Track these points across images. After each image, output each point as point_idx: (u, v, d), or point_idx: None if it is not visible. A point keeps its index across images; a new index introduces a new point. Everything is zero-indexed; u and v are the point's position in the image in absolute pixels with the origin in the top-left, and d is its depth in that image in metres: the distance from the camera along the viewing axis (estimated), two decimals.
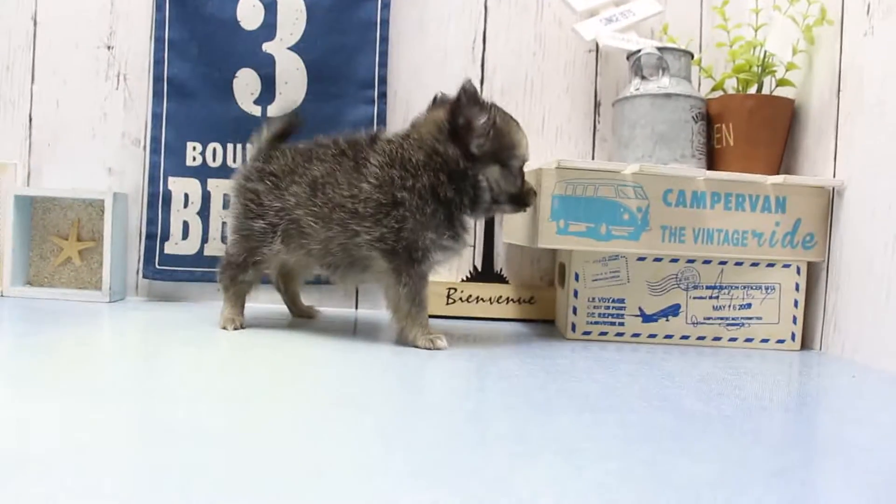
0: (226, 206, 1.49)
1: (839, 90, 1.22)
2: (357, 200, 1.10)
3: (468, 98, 1.08)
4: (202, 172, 1.52)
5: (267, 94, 1.50)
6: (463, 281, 1.53)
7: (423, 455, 0.62)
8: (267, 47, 1.50)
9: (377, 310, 1.51)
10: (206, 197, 1.52)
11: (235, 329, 1.21)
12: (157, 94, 1.53)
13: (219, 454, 0.60)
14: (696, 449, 0.67)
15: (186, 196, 1.52)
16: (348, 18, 1.50)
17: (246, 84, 1.50)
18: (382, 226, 1.08)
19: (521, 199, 1.15)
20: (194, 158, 1.52)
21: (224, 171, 1.50)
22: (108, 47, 1.56)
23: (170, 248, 1.53)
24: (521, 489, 0.55)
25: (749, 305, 1.26)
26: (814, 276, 1.27)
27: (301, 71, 1.50)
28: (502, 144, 1.11)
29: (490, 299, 1.49)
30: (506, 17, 1.55)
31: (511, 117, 1.15)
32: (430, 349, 1.09)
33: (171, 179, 1.52)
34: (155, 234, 1.52)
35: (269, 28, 1.50)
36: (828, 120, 1.25)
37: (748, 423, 0.77)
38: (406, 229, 1.08)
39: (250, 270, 1.23)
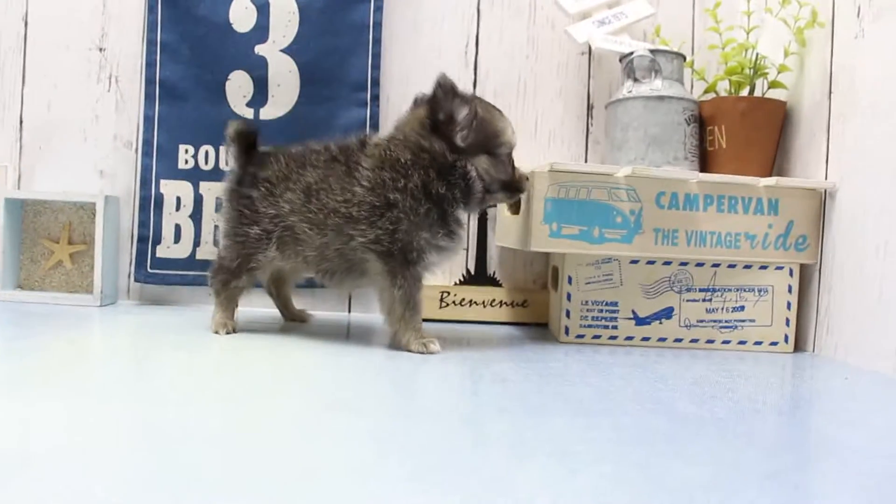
0: (218, 209, 1.49)
1: (830, 92, 1.23)
2: (351, 204, 1.10)
3: (445, 92, 1.08)
4: (194, 175, 1.51)
5: (259, 96, 1.49)
6: (456, 284, 1.53)
7: (418, 458, 0.62)
8: (259, 49, 1.49)
9: (370, 313, 1.51)
10: (198, 200, 1.51)
11: (227, 333, 1.20)
12: (149, 97, 1.52)
13: (212, 458, 0.60)
14: (690, 452, 0.67)
15: (178, 199, 1.52)
16: (341, 21, 1.50)
17: (238, 86, 1.50)
18: (377, 227, 1.08)
19: (514, 185, 1.15)
20: (186, 161, 1.51)
21: (216, 174, 1.49)
22: (100, 49, 1.55)
23: (162, 251, 1.52)
24: (515, 492, 0.54)
25: (742, 308, 1.26)
26: (806, 278, 1.27)
27: (294, 73, 1.49)
28: (487, 133, 1.11)
29: (483, 303, 1.49)
30: (498, 20, 1.55)
31: (493, 106, 1.15)
32: (423, 353, 1.09)
33: (163, 182, 1.52)
34: (147, 237, 1.52)
35: (261, 30, 1.49)
36: (819, 122, 1.25)
37: (741, 426, 0.77)
38: (400, 230, 1.08)
39: (244, 276, 1.22)
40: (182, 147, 1.51)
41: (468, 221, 1.43)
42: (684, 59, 1.38)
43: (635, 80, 1.33)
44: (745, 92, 1.34)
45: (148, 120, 1.52)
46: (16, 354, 1.00)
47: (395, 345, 1.12)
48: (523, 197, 1.23)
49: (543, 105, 1.55)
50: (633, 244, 1.22)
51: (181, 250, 1.52)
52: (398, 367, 1.01)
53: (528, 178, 1.18)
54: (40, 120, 1.55)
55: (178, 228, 1.52)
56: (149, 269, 1.52)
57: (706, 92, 1.41)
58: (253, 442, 0.65)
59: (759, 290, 1.26)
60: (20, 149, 1.56)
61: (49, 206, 1.54)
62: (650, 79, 1.32)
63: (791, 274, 1.26)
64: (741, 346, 1.26)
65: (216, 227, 1.50)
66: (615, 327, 1.27)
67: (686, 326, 1.27)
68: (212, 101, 1.50)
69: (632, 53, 1.34)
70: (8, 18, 1.55)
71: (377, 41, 1.50)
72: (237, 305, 1.26)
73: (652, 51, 1.33)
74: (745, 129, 1.31)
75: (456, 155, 1.10)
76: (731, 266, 1.26)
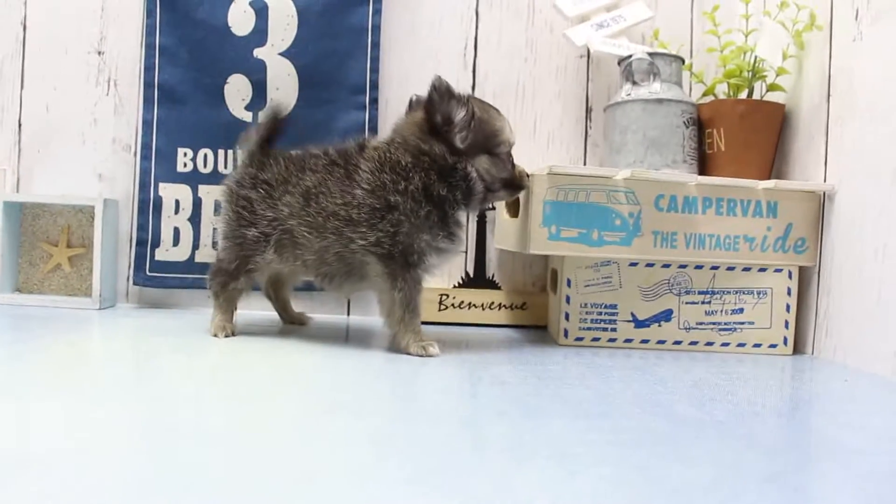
0: (217, 212, 1.49)
1: (829, 95, 1.23)
2: (351, 207, 1.09)
3: (441, 94, 1.08)
4: (193, 178, 1.51)
5: (258, 99, 1.49)
6: (455, 287, 1.52)
7: (417, 461, 0.62)
8: (258, 53, 1.49)
9: (369, 316, 1.51)
10: (196, 203, 1.51)
11: (226, 336, 1.20)
12: (147, 100, 1.52)
13: (211, 460, 0.59)
14: (690, 454, 0.67)
15: (177, 202, 1.52)
16: (340, 24, 1.50)
17: (237, 90, 1.50)
18: (378, 230, 1.08)
19: (515, 183, 1.16)
20: (185, 164, 1.51)
21: (215, 178, 1.49)
22: (99, 52, 1.55)
23: (160, 254, 1.52)
24: (514, 494, 0.54)
25: (741, 310, 1.26)
26: (805, 280, 1.27)
27: (292, 76, 1.49)
28: (486, 133, 1.12)
29: (482, 305, 1.49)
30: (497, 23, 1.55)
31: (490, 105, 1.16)
32: (422, 356, 1.09)
33: (161, 185, 1.52)
34: (145, 240, 1.52)
35: (260, 34, 1.49)
36: (818, 124, 1.26)
37: (741, 428, 0.77)
38: (401, 233, 1.08)
39: (242, 278, 1.22)
40: (181, 150, 1.51)
41: (467, 224, 1.43)
42: (683, 62, 1.38)
43: (634, 83, 1.33)
44: (743, 95, 1.34)
45: (146, 123, 1.52)
46: (15, 358, 1.00)
47: (395, 347, 1.12)
48: (522, 198, 1.24)
49: (542, 108, 1.55)
50: (632, 247, 1.22)
51: (180, 253, 1.52)
52: (397, 370, 1.01)
53: (528, 175, 1.18)
54: (39, 123, 1.55)
55: (176, 231, 1.52)
56: (147, 273, 1.52)
57: (705, 95, 1.41)
58: (252, 444, 0.65)
59: (758, 293, 1.26)
60: (19, 152, 1.55)
61: (48, 210, 1.54)
62: (649, 82, 1.32)
63: (790, 276, 1.26)
64: (740, 349, 1.26)
65: (215, 230, 1.50)
66: (614, 330, 1.26)
67: (685, 329, 1.27)
68: (210, 105, 1.50)
69: (630, 56, 1.34)
70: (7, 22, 1.55)
71: (376, 44, 1.51)
72: (236, 308, 1.26)
73: (650, 54, 1.34)
74: (744, 132, 1.31)
75: (456, 157, 1.10)
76: (730, 268, 1.26)
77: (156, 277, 1.52)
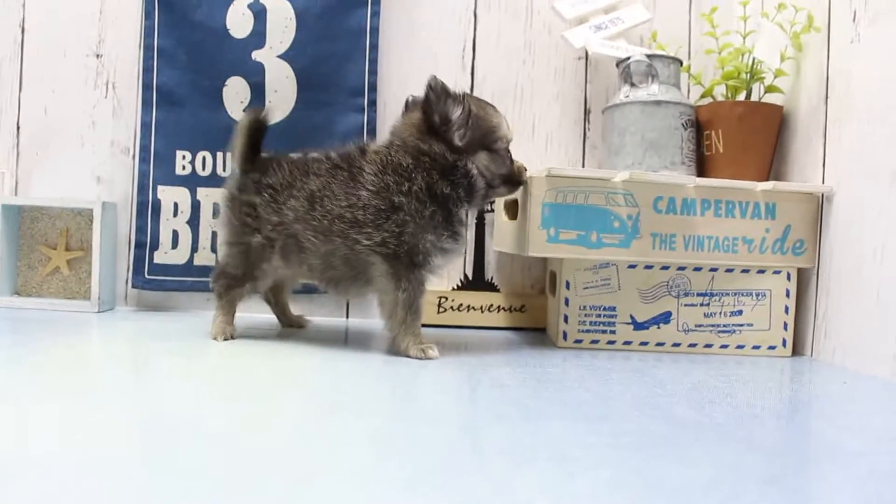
0: (216, 215, 1.49)
1: (827, 96, 1.23)
2: (356, 209, 1.09)
3: (437, 94, 1.09)
4: (192, 181, 1.51)
5: (257, 102, 1.49)
6: (454, 289, 1.52)
7: (417, 462, 0.62)
8: (256, 55, 1.49)
9: (368, 319, 1.51)
10: (195, 206, 1.51)
11: (226, 340, 1.20)
12: (146, 103, 1.52)
13: (211, 462, 0.59)
14: (689, 457, 0.67)
15: (176, 205, 1.51)
16: (338, 26, 1.50)
17: (235, 92, 1.50)
18: (384, 230, 1.08)
19: (514, 178, 1.17)
20: (184, 167, 1.51)
21: (214, 180, 1.49)
22: (97, 55, 1.55)
23: (159, 257, 1.52)
24: (513, 497, 0.54)
25: (740, 312, 1.26)
26: (804, 282, 1.27)
27: (291, 79, 1.49)
28: (483, 130, 1.12)
29: (481, 308, 1.49)
30: (495, 25, 1.55)
31: (486, 102, 1.17)
32: (421, 359, 1.09)
33: (160, 188, 1.52)
34: (144, 243, 1.52)
35: (258, 36, 1.49)
36: (816, 126, 1.26)
37: (740, 431, 0.77)
38: (407, 233, 1.08)
39: (248, 284, 1.23)
40: (179, 153, 1.51)
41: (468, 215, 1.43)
42: (681, 63, 1.38)
43: (632, 84, 1.34)
44: (741, 96, 1.34)
45: (145, 126, 1.52)
46: (14, 361, 1.00)
47: (394, 350, 1.12)
48: (520, 200, 1.24)
49: (541, 109, 1.55)
50: (630, 249, 1.22)
51: (178, 256, 1.52)
52: (397, 373, 1.01)
53: (526, 169, 1.19)
54: (37, 126, 1.55)
55: (175, 234, 1.52)
56: (146, 275, 1.52)
57: (703, 96, 1.41)
58: (252, 446, 0.65)
59: (757, 295, 1.26)
60: (17, 155, 1.55)
61: (46, 213, 1.54)
62: (647, 83, 1.33)
63: (789, 278, 1.26)
64: (739, 351, 1.26)
65: (214, 232, 1.50)
66: (613, 332, 1.26)
67: (684, 331, 1.27)
68: (209, 107, 1.50)
69: (628, 58, 1.34)
70: (5, 25, 1.55)
71: (374, 46, 1.51)
72: (236, 310, 1.26)
73: (649, 56, 1.34)
74: (742, 134, 1.31)
75: (456, 155, 1.10)
76: (729, 270, 1.26)
77: (154, 280, 1.52)
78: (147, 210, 1.51)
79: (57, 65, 1.55)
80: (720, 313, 1.26)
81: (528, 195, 1.19)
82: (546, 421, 0.78)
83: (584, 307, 1.26)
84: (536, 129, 1.55)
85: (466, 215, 1.17)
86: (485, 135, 1.12)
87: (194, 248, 1.52)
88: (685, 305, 1.26)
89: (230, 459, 0.61)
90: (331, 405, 0.83)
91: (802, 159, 1.30)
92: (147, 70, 1.52)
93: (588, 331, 1.27)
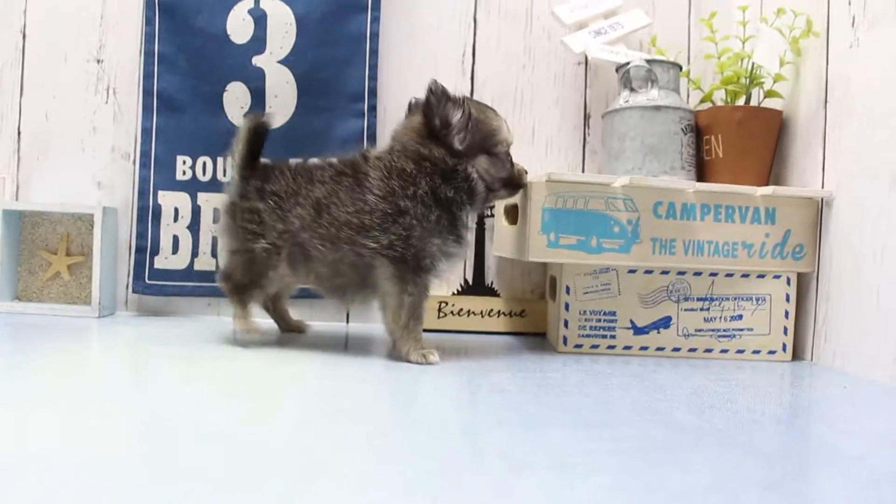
0: (216, 220, 1.49)
1: (826, 101, 1.23)
2: (363, 213, 1.09)
3: (437, 98, 1.09)
4: (192, 186, 1.51)
5: (257, 107, 1.50)
6: (454, 294, 1.52)
7: (417, 468, 0.62)
8: (257, 61, 1.50)
9: (368, 323, 1.51)
10: (196, 211, 1.51)
11: (254, 344, 1.18)
12: (146, 108, 1.53)
13: (210, 467, 0.59)
14: (689, 462, 0.67)
15: (176, 210, 1.52)
16: (338, 31, 1.50)
17: (236, 97, 1.50)
18: (391, 233, 1.08)
19: (514, 181, 1.17)
20: (184, 172, 1.51)
21: (214, 185, 1.49)
22: (98, 61, 1.55)
23: (160, 262, 1.52)
24: (514, 502, 0.55)
25: (740, 317, 1.26)
26: (804, 286, 1.27)
27: (291, 84, 1.50)
28: (483, 133, 1.12)
29: (481, 312, 1.49)
30: (495, 30, 1.55)
31: (486, 105, 1.17)
32: (421, 364, 1.09)
33: (160, 193, 1.52)
34: (145, 248, 1.52)
35: (258, 41, 1.50)
36: (816, 130, 1.26)
37: (740, 436, 0.77)
38: (414, 237, 1.08)
39: (255, 292, 1.22)
40: (180, 158, 1.51)
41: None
42: (680, 68, 1.39)
43: (632, 89, 1.34)
44: (741, 101, 1.35)
45: (145, 131, 1.52)
46: (14, 366, 1.00)
47: (395, 354, 1.12)
48: (520, 205, 1.24)
49: (540, 114, 1.55)
50: (630, 254, 1.22)
51: (179, 261, 1.52)
52: (397, 378, 1.01)
53: (526, 172, 1.19)
54: (38, 131, 1.55)
55: (175, 239, 1.52)
56: (147, 280, 1.52)
57: (702, 101, 1.42)
58: (252, 451, 0.65)
59: (757, 299, 1.26)
60: (18, 160, 1.56)
61: (47, 218, 1.54)
62: (647, 88, 1.33)
63: (789, 283, 1.26)
64: (739, 355, 1.27)
65: (214, 238, 1.50)
66: (613, 337, 1.27)
67: (684, 336, 1.27)
68: (209, 113, 1.50)
69: (628, 63, 1.34)
70: (6, 30, 1.55)
71: (374, 52, 1.51)
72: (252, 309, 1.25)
73: (648, 61, 1.34)
74: (742, 139, 1.31)
75: (456, 159, 1.11)
76: (729, 275, 1.26)
77: (155, 285, 1.52)
78: (147, 215, 1.52)
79: (58, 70, 1.55)
80: (720, 318, 1.26)
81: (528, 200, 1.20)
82: (546, 427, 0.78)
83: (585, 312, 1.26)
84: (536, 133, 1.55)
85: (468, 219, 1.17)
86: (485, 138, 1.13)
87: (195, 253, 1.52)
88: (685, 310, 1.26)
89: (230, 463, 0.61)
90: (331, 410, 0.83)
91: (802, 164, 1.30)
92: (148, 75, 1.52)
93: (588, 335, 1.27)
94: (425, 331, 1.15)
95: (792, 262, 1.25)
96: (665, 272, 1.26)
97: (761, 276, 1.26)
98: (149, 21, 1.52)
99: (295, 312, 1.42)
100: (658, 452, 0.70)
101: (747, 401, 0.94)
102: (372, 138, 1.50)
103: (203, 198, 1.51)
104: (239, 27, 1.50)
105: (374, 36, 1.51)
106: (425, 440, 0.72)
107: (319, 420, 0.78)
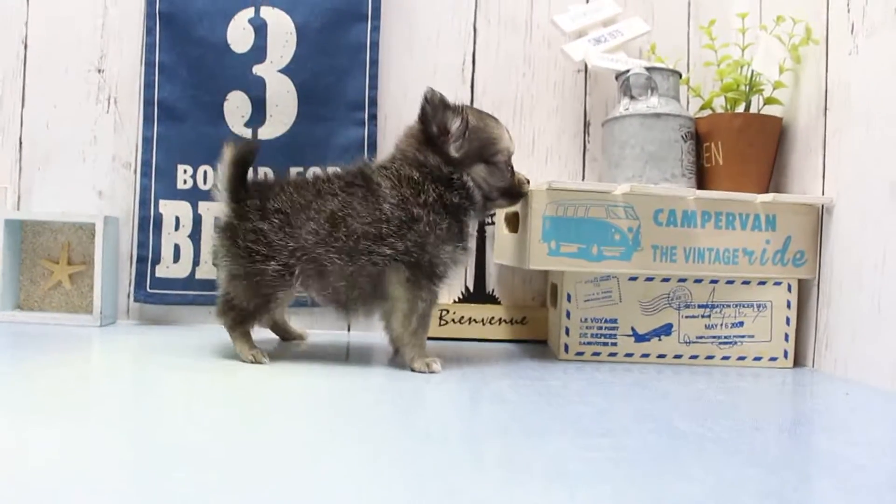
0: (217, 228, 1.48)
1: (826, 108, 1.23)
2: (381, 223, 1.08)
3: (434, 106, 1.09)
4: (193, 195, 1.52)
5: (257, 116, 1.50)
6: (455, 302, 1.53)
7: (419, 477, 0.62)
8: (257, 70, 1.50)
9: (370, 332, 1.51)
10: (197, 220, 1.52)
11: (263, 362, 1.13)
12: (147, 118, 1.53)
13: (211, 477, 0.59)
14: (690, 470, 0.67)
15: (177, 219, 1.52)
16: (338, 41, 1.51)
17: (236, 107, 1.50)
18: (407, 240, 1.08)
19: (513, 191, 1.17)
20: (185, 181, 1.52)
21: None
22: (99, 70, 1.56)
23: (161, 271, 1.52)
24: None
25: (741, 324, 1.26)
26: (805, 293, 1.27)
27: (291, 93, 1.50)
28: (482, 142, 1.12)
29: (482, 320, 1.49)
30: (495, 38, 1.56)
31: (487, 114, 1.16)
32: (424, 373, 1.09)
33: (161, 202, 1.52)
34: (146, 257, 1.52)
35: (259, 51, 1.50)
36: (815, 137, 1.26)
37: (742, 443, 0.77)
38: (429, 244, 1.08)
39: (261, 317, 1.17)
40: (180, 167, 1.52)
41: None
42: (680, 76, 1.39)
43: (632, 97, 1.34)
44: (741, 108, 1.35)
45: (146, 140, 1.53)
46: (16, 376, 1.00)
47: (398, 362, 1.12)
48: (521, 213, 1.24)
49: (540, 122, 1.56)
50: (631, 261, 1.22)
51: (180, 270, 1.52)
52: (398, 386, 1.01)
53: (528, 181, 1.19)
54: (39, 141, 1.56)
55: (177, 248, 1.52)
56: (148, 289, 1.52)
57: (702, 109, 1.42)
58: (252, 461, 0.65)
59: (758, 306, 1.26)
60: (20, 170, 1.56)
61: (48, 227, 1.54)
62: (646, 96, 1.33)
63: (789, 289, 1.26)
64: (740, 362, 1.26)
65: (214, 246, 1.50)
66: (614, 344, 1.26)
67: (685, 343, 1.27)
68: (210, 122, 1.50)
69: (628, 71, 1.35)
70: (8, 41, 1.56)
71: (374, 61, 1.51)
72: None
73: (648, 68, 1.34)
74: (742, 146, 1.31)
75: (451, 167, 1.10)
76: (730, 282, 1.26)
77: (156, 294, 1.52)
78: (149, 224, 1.52)
79: (59, 80, 1.56)
80: (721, 325, 1.26)
81: (529, 208, 1.20)
82: (547, 435, 0.78)
83: (586, 319, 1.26)
84: (536, 142, 1.55)
85: (471, 226, 1.17)
86: (483, 147, 1.12)
87: (196, 262, 1.52)
88: (686, 317, 1.26)
89: (232, 473, 0.61)
90: (332, 419, 0.83)
91: (802, 170, 1.30)
92: (148, 85, 1.53)
93: (589, 343, 1.27)
94: (427, 338, 1.15)
95: (793, 269, 1.25)
96: (666, 279, 1.26)
97: (762, 282, 1.26)
98: (149, 31, 1.53)
99: (295, 321, 1.42)
100: (659, 461, 0.70)
101: (748, 408, 0.94)
102: (372, 147, 1.50)
103: (204, 206, 1.51)
104: (239, 36, 1.50)
105: (375, 45, 1.51)
106: (427, 448, 0.72)
107: (321, 429, 0.78)
